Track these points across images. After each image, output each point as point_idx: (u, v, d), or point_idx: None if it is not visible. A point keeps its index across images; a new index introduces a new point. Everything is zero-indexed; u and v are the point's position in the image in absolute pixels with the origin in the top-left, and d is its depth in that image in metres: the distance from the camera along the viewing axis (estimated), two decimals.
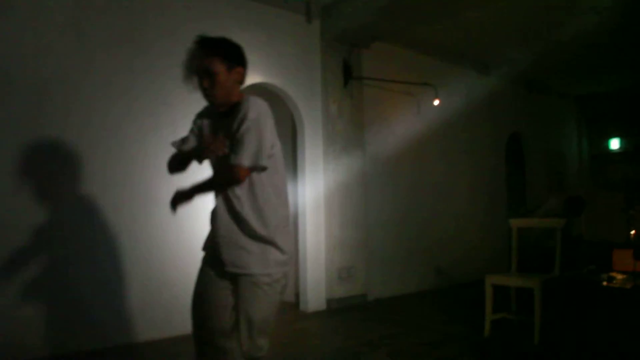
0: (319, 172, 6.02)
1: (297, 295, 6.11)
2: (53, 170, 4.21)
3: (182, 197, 2.41)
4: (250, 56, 5.50)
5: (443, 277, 7.42)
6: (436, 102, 7.03)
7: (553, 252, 4.69)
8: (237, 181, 2.28)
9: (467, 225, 7.94)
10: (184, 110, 4.64)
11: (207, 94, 2.34)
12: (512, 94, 9.15)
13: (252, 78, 5.38)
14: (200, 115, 2.58)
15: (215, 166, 2.48)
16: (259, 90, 5.56)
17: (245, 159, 2.23)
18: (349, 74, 6.23)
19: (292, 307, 6.08)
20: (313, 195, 5.95)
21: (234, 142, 2.26)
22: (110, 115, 4.48)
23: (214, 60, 2.30)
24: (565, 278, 4.77)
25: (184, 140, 2.56)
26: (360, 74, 6.41)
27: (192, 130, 2.57)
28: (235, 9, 5.31)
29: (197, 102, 2.54)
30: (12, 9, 4.04)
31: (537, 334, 4.34)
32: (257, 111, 2.30)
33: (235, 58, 2.39)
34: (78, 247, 4.28)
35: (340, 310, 5.89)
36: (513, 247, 4.98)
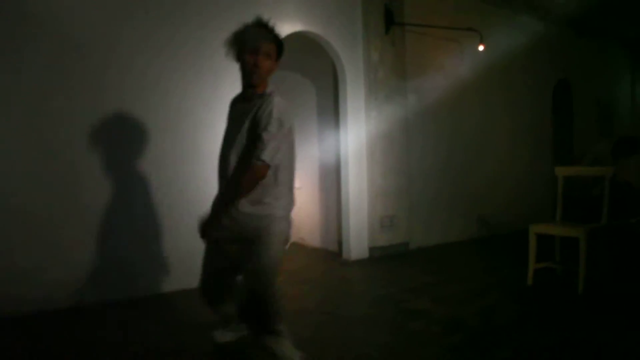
0: (361, 121, 5.97)
1: (339, 243, 6.19)
2: (92, 124, 4.26)
3: (210, 223, 2.73)
4: (291, 4, 5.45)
5: (485, 226, 7.39)
6: (481, 48, 6.83)
7: (600, 200, 4.59)
8: (260, 178, 2.54)
9: (510, 173, 7.81)
10: (225, 61, 4.63)
11: (254, 70, 2.56)
12: (561, 38, 8.80)
13: (293, 26, 5.33)
14: (232, 103, 2.91)
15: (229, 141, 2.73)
16: (300, 38, 5.50)
17: (267, 156, 2.50)
18: (390, 21, 6.08)
19: (334, 256, 6.18)
20: (355, 144, 5.93)
21: (256, 135, 2.54)
22: (150, 69, 4.51)
23: (273, 47, 2.59)
24: (613, 227, 4.66)
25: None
26: (402, 20, 6.25)
27: (228, 118, 2.89)
28: None
29: None
30: None
31: (581, 283, 4.30)
32: (280, 112, 2.53)
33: (281, 54, 2.68)
34: (118, 199, 4.40)
35: (383, 258, 5.96)
36: (559, 195, 4.90)
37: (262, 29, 2.58)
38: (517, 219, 7.23)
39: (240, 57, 2.59)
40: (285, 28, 5.22)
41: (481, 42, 6.79)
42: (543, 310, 3.98)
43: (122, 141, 4.41)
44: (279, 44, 2.63)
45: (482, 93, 7.40)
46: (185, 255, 4.51)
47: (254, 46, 2.52)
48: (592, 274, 4.46)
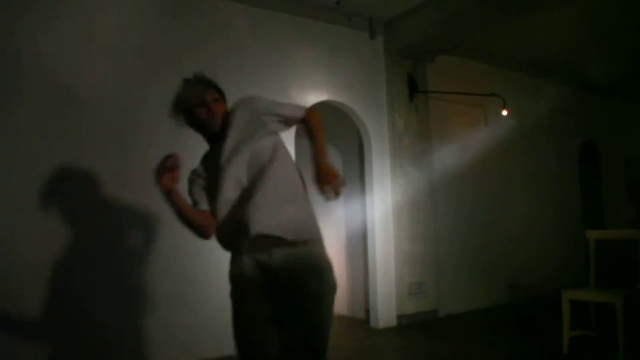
0: (387, 187, 5.99)
1: (367, 311, 6.08)
2: (78, 193, 4.14)
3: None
4: (316, 74, 5.55)
5: (516, 291, 7.19)
6: (504, 113, 6.89)
7: (635, 264, 4.46)
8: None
9: (537, 236, 7.63)
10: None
11: (212, 115, 2.27)
12: (585, 100, 8.83)
13: (318, 96, 5.46)
14: (204, 159, 2.44)
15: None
16: (326, 107, 5.62)
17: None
18: (414, 88, 6.20)
19: (362, 324, 6.07)
20: (382, 210, 5.93)
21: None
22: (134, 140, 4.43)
23: (216, 92, 2.34)
24: None
25: (194, 197, 2.36)
26: (426, 87, 6.37)
27: (193, 180, 2.38)
28: (299, 28, 5.42)
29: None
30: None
31: (621, 353, 4.12)
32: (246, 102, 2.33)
33: (224, 98, 2.41)
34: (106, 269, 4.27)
35: (411, 326, 5.82)
36: (591, 259, 4.77)
37: (198, 82, 2.34)
38: (546, 282, 7.07)
39: (191, 118, 2.29)
40: (311, 97, 5.35)
41: (504, 107, 6.85)
42: None
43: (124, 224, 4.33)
44: (219, 89, 2.38)
45: (506, 157, 7.38)
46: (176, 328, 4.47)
47: (202, 98, 2.26)
48: (632, 341, 4.28)
